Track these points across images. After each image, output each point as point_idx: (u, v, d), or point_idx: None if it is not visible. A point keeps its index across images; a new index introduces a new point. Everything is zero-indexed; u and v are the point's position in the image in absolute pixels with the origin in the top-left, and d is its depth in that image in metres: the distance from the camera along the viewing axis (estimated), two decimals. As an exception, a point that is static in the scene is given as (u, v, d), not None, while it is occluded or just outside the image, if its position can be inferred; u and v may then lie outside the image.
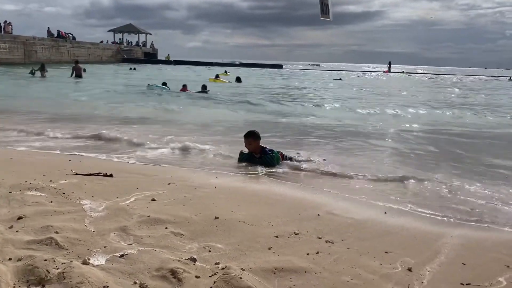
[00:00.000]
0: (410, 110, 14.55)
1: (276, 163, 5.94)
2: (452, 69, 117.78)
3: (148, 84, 19.21)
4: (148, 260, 2.49)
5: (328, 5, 6.48)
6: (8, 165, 5.02)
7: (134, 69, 39.82)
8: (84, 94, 16.38)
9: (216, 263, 2.56)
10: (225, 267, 2.47)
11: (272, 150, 6.04)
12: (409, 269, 2.70)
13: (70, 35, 48.11)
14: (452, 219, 3.98)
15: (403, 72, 63.05)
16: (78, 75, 24.95)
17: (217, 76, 28.28)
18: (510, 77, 52.32)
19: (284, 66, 68.13)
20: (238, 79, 26.96)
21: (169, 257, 2.54)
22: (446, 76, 57.46)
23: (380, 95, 21.79)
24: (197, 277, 2.34)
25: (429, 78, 50.35)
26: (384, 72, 58.94)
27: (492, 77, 55.94)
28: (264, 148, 6.05)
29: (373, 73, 59.50)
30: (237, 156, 6.20)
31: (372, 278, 2.55)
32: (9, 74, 24.98)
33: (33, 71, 24.64)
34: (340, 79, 36.56)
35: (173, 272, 2.34)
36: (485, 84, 39.51)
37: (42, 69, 24.55)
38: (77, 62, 27.02)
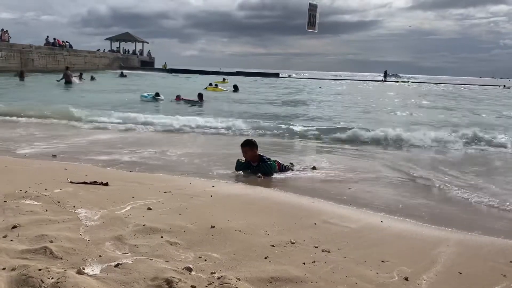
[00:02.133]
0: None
1: (273, 171, 5.94)
2: (450, 78, 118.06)
3: (141, 95, 18.98)
4: (144, 269, 2.47)
5: (316, 16, 6.61)
6: (3, 173, 4.99)
7: (124, 75, 39.63)
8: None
9: (212, 273, 2.54)
10: (221, 276, 2.46)
11: (269, 159, 6.05)
12: (406, 278, 2.69)
13: (67, 43, 48.15)
14: (448, 228, 3.97)
15: (408, 81, 63.11)
16: (68, 81, 25.37)
17: (212, 84, 28.58)
18: (504, 86, 52.69)
19: (280, 74, 68.65)
20: (235, 88, 27.33)
21: (164, 267, 2.53)
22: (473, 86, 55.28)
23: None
24: (192, 286, 2.32)
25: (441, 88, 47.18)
26: (381, 81, 59.10)
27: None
28: (261, 156, 6.06)
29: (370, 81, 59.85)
30: (234, 164, 6.20)
31: (369, 287, 2.54)
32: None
33: (16, 74, 27.68)
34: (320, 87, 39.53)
35: (169, 282, 2.32)
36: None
37: (21, 75, 26.40)
38: (67, 68, 27.59)
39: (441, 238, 3.62)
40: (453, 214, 4.58)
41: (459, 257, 3.19)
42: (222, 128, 10.73)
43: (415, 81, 67.43)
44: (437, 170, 6.83)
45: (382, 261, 2.95)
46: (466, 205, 4.97)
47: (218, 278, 2.45)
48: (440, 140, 9.44)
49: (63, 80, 25.71)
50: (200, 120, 11.33)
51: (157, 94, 18.47)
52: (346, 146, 8.92)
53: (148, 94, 18.57)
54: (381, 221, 3.98)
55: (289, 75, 72.58)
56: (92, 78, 30.54)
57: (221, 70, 66.82)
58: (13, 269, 2.35)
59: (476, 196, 5.26)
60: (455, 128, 11.33)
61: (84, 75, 29.76)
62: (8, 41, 37.90)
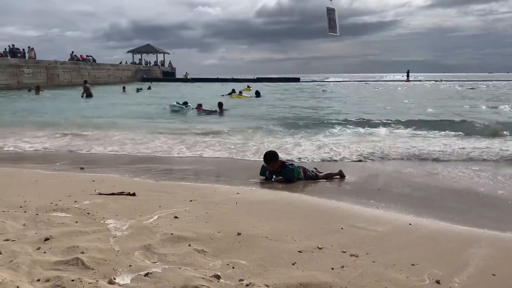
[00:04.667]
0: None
1: (296, 176, 5.92)
2: (476, 75, 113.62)
3: (171, 104, 19.38)
4: (173, 278, 2.50)
5: (335, 20, 6.66)
6: (34, 187, 5.13)
7: (149, 88, 38.88)
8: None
9: (240, 280, 2.55)
10: (249, 283, 2.46)
11: (292, 164, 6.05)
12: (437, 282, 2.64)
13: (90, 57, 49.39)
14: (480, 229, 3.87)
15: (441, 80, 60.90)
16: (89, 95, 26.48)
17: (239, 92, 29.32)
18: None
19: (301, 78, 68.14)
20: (257, 93, 28.62)
21: (193, 275, 2.55)
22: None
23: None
24: (221, 294, 2.34)
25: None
26: (405, 81, 57.71)
27: None
28: (284, 162, 6.07)
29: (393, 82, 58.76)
30: (259, 169, 6.22)
31: (399, 291, 2.51)
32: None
33: (30, 89, 30.24)
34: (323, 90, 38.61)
35: (198, 290, 2.34)
36: None
37: (37, 89, 28.67)
38: (86, 82, 29.06)
39: (473, 239, 3.53)
40: (484, 214, 4.47)
41: (492, 259, 3.10)
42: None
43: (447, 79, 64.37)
44: (466, 169, 6.68)
45: (412, 264, 2.90)
46: (498, 204, 4.84)
47: (247, 285, 2.45)
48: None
49: (85, 94, 26.76)
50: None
51: (185, 103, 18.86)
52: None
53: (178, 104, 18.95)
54: (410, 224, 3.91)
55: (327, 78, 68.52)
56: (123, 89, 34.14)
57: (241, 77, 66.95)
58: (47, 280, 2.41)
59: (508, 194, 5.13)
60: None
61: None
62: (35, 58, 39.16)
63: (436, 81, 60.35)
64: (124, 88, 34.35)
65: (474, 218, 4.27)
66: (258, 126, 12.56)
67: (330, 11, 6.67)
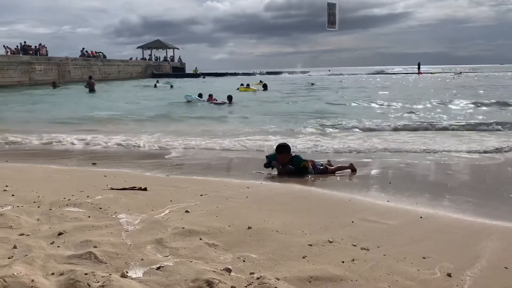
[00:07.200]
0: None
1: (302, 168, 5.89)
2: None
3: (186, 95, 20.12)
4: (184, 271, 2.52)
5: (335, 15, 6.66)
6: (47, 182, 5.20)
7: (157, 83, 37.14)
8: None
9: (251, 273, 2.56)
10: (260, 276, 2.48)
11: (297, 156, 6.03)
12: (449, 275, 2.63)
13: (100, 53, 49.68)
14: (492, 221, 3.83)
15: (460, 73, 58.78)
16: (92, 90, 28.12)
17: (246, 85, 29.55)
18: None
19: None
20: (265, 86, 29.41)
21: (204, 268, 2.57)
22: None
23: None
24: (233, 287, 2.35)
25: None
26: (418, 74, 56.76)
27: None
28: (293, 156, 6.06)
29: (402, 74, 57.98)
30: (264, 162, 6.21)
31: (410, 284, 2.50)
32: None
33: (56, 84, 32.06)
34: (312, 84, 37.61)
35: (209, 283, 2.36)
36: None
37: (54, 85, 31.07)
38: (90, 77, 31.27)
39: (485, 232, 3.51)
40: (496, 207, 4.42)
41: (505, 251, 3.08)
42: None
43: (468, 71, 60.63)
44: (477, 162, 6.62)
45: (423, 258, 2.89)
46: (510, 197, 4.80)
47: (257, 278, 2.47)
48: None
49: (88, 88, 28.32)
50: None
51: (200, 95, 20.07)
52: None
53: (193, 95, 19.69)
54: (421, 217, 3.89)
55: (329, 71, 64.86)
56: (171, 86, 34.49)
57: (250, 72, 66.67)
58: (61, 274, 2.45)
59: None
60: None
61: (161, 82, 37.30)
62: (47, 55, 39.55)
63: (455, 73, 58.12)
64: (157, 82, 36.06)
65: (486, 211, 4.24)
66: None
67: (331, 6, 6.67)
